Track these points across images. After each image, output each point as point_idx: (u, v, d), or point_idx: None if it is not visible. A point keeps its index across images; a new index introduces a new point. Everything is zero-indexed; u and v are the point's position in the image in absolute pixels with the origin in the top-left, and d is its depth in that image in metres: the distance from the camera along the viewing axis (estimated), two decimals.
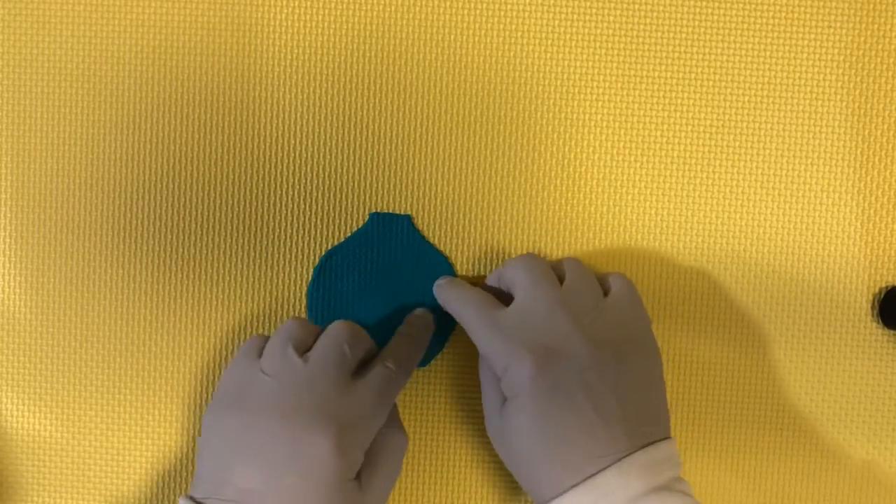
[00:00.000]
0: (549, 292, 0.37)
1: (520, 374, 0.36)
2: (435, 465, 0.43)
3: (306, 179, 0.42)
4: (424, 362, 0.42)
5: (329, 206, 0.42)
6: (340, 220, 0.42)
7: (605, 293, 0.39)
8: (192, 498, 0.35)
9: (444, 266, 0.42)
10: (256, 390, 0.36)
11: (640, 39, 0.42)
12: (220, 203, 0.42)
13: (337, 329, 0.38)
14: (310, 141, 0.42)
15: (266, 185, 0.42)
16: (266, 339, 0.39)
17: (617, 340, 0.37)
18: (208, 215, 0.42)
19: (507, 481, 0.43)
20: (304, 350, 0.37)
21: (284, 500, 0.34)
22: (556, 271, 0.39)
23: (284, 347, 0.37)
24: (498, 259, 0.42)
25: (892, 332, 0.42)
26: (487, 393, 0.39)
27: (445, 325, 0.42)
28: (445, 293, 0.40)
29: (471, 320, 0.38)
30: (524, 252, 0.42)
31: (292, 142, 0.42)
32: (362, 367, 0.38)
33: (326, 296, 0.42)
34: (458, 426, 0.43)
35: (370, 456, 0.37)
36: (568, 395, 0.35)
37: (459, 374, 0.43)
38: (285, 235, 0.42)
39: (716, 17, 0.41)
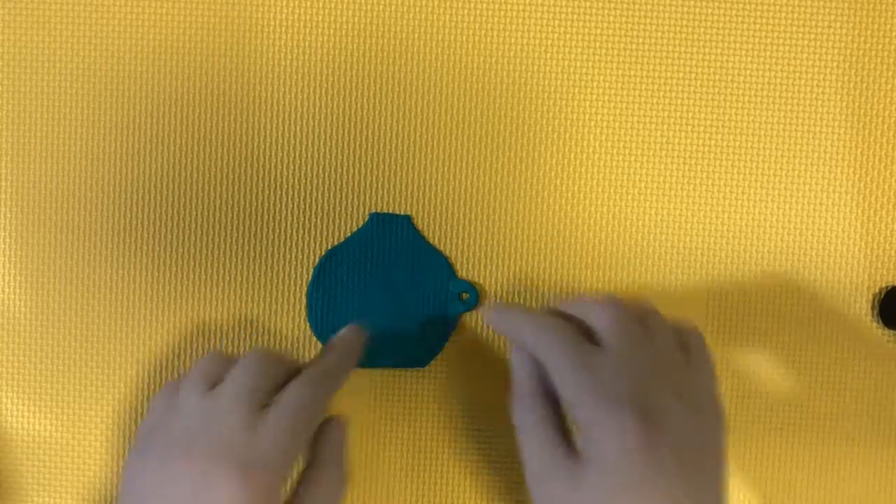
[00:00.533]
0: (646, 348, 0.33)
1: (615, 436, 0.31)
2: (432, 467, 0.43)
3: (306, 179, 0.42)
4: (423, 363, 0.42)
5: (329, 206, 0.42)
6: (340, 220, 0.42)
7: (685, 349, 0.35)
8: None
9: (443, 266, 0.42)
10: (168, 428, 0.34)
11: (640, 39, 0.42)
12: (221, 203, 0.42)
13: (248, 359, 0.36)
14: (310, 141, 0.42)
15: (266, 184, 0.42)
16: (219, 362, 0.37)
17: (708, 408, 0.33)
18: (208, 215, 0.42)
19: (506, 483, 0.43)
20: (216, 384, 0.35)
21: None
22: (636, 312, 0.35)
23: (196, 383, 0.35)
24: (498, 259, 0.42)
25: (892, 332, 0.42)
26: (543, 434, 0.33)
27: (444, 326, 0.42)
28: (508, 319, 0.35)
29: (556, 357, 0.33)
30: (522, 252, 0.42)
31: (292, 142, 0.42)
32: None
33: (326, 296, 0.42)
34: (456, 428, 0.43)
35: (299, 494, 0.35)
36: (665, 474, 0.30)
37: (459, 375, 0.43)
38: (285, 235, 0.42)
39: (716, 17, 0.41)
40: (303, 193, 0.42)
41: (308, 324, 0.42)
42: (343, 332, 0.39)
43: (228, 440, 0.33)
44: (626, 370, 0.32)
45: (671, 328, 0.35)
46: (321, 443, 0.37)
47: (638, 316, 0.35)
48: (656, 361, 0.33)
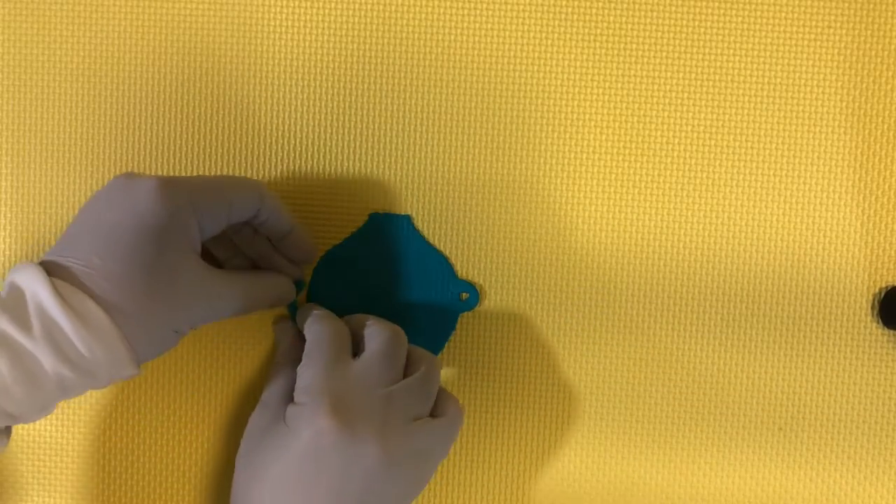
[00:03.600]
0: (392, 374, 0.36)
1: (310, 421, 0.34)
2: None
3: (307, 179, 0.42)
4: None
5: (329, 205, 0.42)
6: (340, 219, 0.42)
7: (433, 414, 0.36)
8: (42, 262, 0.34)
9: (443, 266, 0.42)
10: None
11: (640, 39, 0.42)
12: None
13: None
14: (310, 140, 0.42)
15: (267, 182, 0.42)
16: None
17: (411, 469, 0.35)
18: None
19: (505, 482, 0.43)
20: None
21: (104, 232, 0.33)
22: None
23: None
24: (498, 259, 0.42)
25: (892, 332, 0.42)
26: (276, 383, 0.38)
27: (444, 326, 0.42)
28: (308, 312, 0.39)
29: (310, 347, 0.36)
30: (522, 252, 0.42)
31: (292, 141, 0.42)
32: None
33: (326, 295, 0.42)
34: None
35: (249, 272, 0.39)
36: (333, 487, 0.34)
37: (459, 374, 0.43)
38: None
39: (716, 17, 0.41)
40: (303, 192, 0.42)
41: None
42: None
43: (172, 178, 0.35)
44: (362, 378, 0.35)
45: (422, 387, 0.36)
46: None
47: (401, 355, 0.37)
48: (389, 397, 0.35)
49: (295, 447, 0.34)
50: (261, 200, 0.37)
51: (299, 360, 0.37)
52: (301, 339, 0.38)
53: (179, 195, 0.34)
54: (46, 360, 0.31)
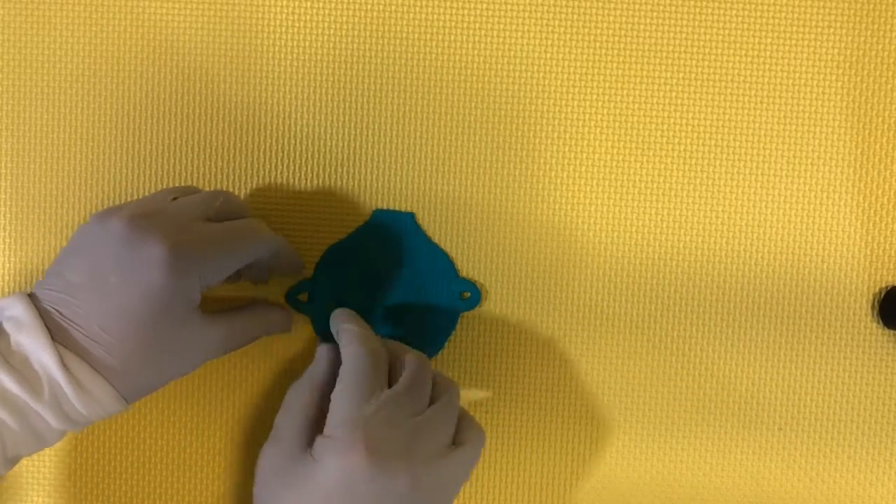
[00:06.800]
0: (420, 405, 0.35)
1: (343, 456, 0.33)
2: None
3: (312, 174, 0.42)
4: None
5: (333, 201, 0.42)
6: (343, 215, 0.42)
7: (455, 440, 0.36)
8: (30, 294, 0.35)
9: (445, 264, 0.42)
10: (129, 204, 0.36)
11: (640, 39, 0.42)
12: None
13: (217, 191, 0.38)
14: (316, 135, 0.42)
15: (272, 178, 0.42)
16: (195, 191, 0.39)
17: (438, 497, 0.35)
18: None
19: (505, 482, 0.43)
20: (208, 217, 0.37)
21: (108, 301, 0.34)
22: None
23: (194, 206, 0.37)
24: (499, 259, 0.42)
25: (892, 332, 0.42)
26: (295, 413, 0.36)
27: (445, 325, 0.42)
28: (350, 322, 0.38)
29: (347, 376, 0.35)
30: (524, 252, 0.42)
31: (299, 136, 0.42)
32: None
33: (328, 292, 0.42)
34: None
35: (235, 311, 0.38)
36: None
37: (459, 373, 0.43)
38: (289, 229, 0.42)
39: (716, 17, 0.41)
40: (308, 188, 0.42)
41: (310, 320, 0.42)
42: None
43: (172, 223, 0.35)
44: (392, 412, 0.34)
45: (445, 415, 0.36)
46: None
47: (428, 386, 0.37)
48: (417, 429, 0.34)
49: (323, 482, 0.33)
50: (267, 250, 0.38)
51: (325, 385, 0.36)
52: (336, 363, 0.37)
53: (189, 268, 0.34)
54: (53, 420, 0.33)
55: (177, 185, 0.42)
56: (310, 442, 0.35)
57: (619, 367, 0.43)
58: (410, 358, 0.37)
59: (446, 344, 0.42)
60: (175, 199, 0.37)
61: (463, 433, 0.37)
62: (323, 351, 0.38)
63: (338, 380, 0.35)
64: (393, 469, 0.33)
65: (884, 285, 0.42)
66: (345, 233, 0.42)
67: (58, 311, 0.34)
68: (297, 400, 0.37)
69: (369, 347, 0.36)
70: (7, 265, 0.42)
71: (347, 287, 0.42)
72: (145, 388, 0.35)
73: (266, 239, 0.38)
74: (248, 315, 0.39)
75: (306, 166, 0.42)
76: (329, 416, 0.34)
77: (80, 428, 0.35)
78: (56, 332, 0.33)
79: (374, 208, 0.42)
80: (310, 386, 0.37)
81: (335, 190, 0.42)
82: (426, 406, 0.36)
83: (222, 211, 0.37)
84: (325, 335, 0.42)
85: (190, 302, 0.35)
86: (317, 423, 0.35)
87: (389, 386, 0.36)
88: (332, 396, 0.35)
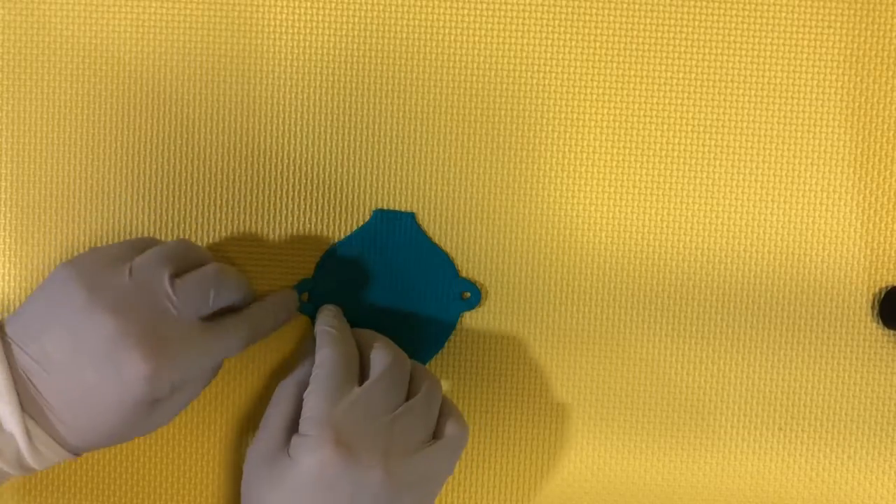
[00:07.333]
0: (395, 399, 0.36)
1: (315, 453, 0.34)
2: None
3: (312, 174, 0.42)
4: (423, 361, 0.42)
5: (333, 202, 0.42)
6: (344, 215, 0.42)
7: (437, 434, 0.37)
8: (3, 340, 0.35)
9: (446, 264, 0.42)
10: (115, 279, 0.35)
11: (640, 39, 0.42)
12: (223, 201, 0.42)
13: (211, 270, 0.37)
14: (316, 135, 0.42)
15: (272, 178, 0.42)
16: (154, 242, 0.38)
17: (417, 491, 0.36)
18: (211, 213, 0.42)
19: (505, 481, 0.43)
20: (175, 272, 0.36)
21: (82, 393, 0.34)
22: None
23: (161, 263, 0.36)
24: (499, 259, 0.42)
25: (892, 332, 0.42)
26: (280, 408, 0.37)
27: (445, 325, 0.42)
28: (329, 323, 0.39)
29: (319, 377, 0.36)
30: (524, 252, 0.42)
31: (298, 136, 0.42)
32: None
33: (328, 291, 0.42)
34: None
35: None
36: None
37: (459, 373, 0.43)
38: (290, 230, 0.42)
39: (716, 17, 0.42)
40: (309, 188, 0.42)
41: (309, 319, 0.42)
42: (282, 291, 0.41)
43: (168, 329, 0.35)
44: (365, 409, 0.35)
45: (424, 408, 0.37)
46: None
47: (407, 379, 0.37)
48: (389, 427, 0.35)
49: (299, 478, 0.34)
50: (243, 340, 0.37)
51: (307, 382, 0.37)
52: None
53: (169, 382, 0.34)
54: (10, 471, 0.35)
55: (177, 184, 0.42)
56: (288, 440, 0.35)
57: (618, 367, 0.43)
58: (384, 353, 0.37)
59: (446, 344, 0.42)
60: (174, 274, 0.36)
61: (443, 426, 0.37)
62: (310, 348, 0.39)
63: (310, 380, 0.36)
64: (365, 464, 0.34)
65: (884, 285, 0.42)
66: (345, 233, 0.42)
67: (32, 382, 0.34)
68: (280, 398, 0.37)
69: (341, 349, 0.37)
70: (7, 265, 0.42)
71: (347, 287, 0.42)
72: (106, 446, 0.37)
73: (249, 336, 0.37)
74: (243, 322, 0.38)
75: (306, 166, 0.42)
76: (302, 415, 0.35)
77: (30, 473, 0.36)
78: (26, 403, 0.34)
79: (374, 208, 0.42)
80: (293, 383, 0.38)
81: (335, 190, 0.42)
82: (402, 400, 0.36)
83: (217, 305, 0.37)
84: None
85: (164, 395, 0.35)
86: (297, 422, 0.36)
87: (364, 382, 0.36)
88: (305, 396, 0.36)
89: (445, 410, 0.38)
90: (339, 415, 0.35)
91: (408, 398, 0.37)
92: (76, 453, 0.36)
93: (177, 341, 0.35)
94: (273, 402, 0.38)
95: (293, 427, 0.36)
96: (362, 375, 0.37)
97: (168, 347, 0.34)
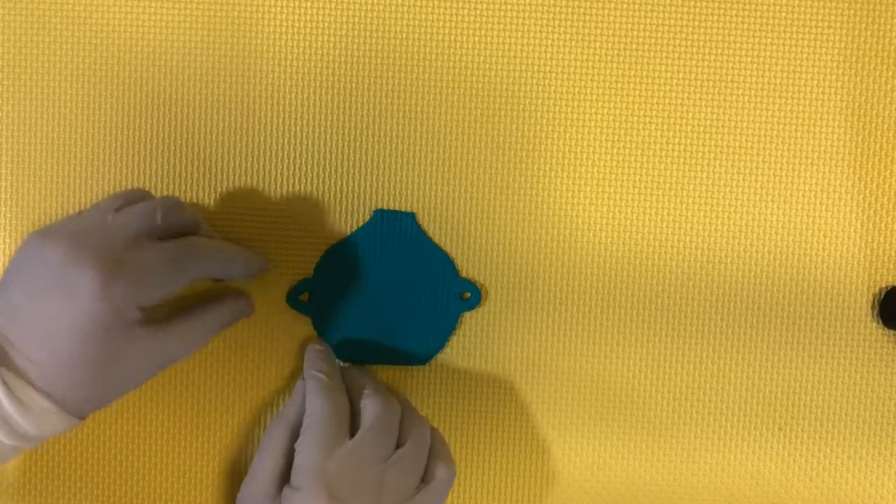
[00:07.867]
0: (386, 450, 0.36)
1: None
2: None
3: (312, 174, 0.42)
4: (423, 362, 0.42)
5: (334, 201, 0.42)
6: (344, 215, 0.42)
7: (426, 477, 0.37)
8: None
9: (446, 264, 0.42)
10: (72, 224, 0.36)
11: (640, 39, 0.42)
12: (223, 201, 0.42)
13: (161, 198, 0.38)
14: (316, 135, 0.42)
15: (272, 178, 0.42)
16: (143, 197, 0.38)
17: None
18: (212, 213, 0.42)
19: (505, 482, 0.43)
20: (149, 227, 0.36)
21: (45, 324, 0.34)
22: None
23: (113, 202, 0.37)
24: (499, 259, 0.42)
25: (892, 332, 0.42)
26: (271, 455, 0.37)
27: (445, 325, 0.42)
28: (316, 365, 0.39)
29: (310, 428, 0.36)
30: (524, 252, 0.42)
31: (298, 136, 0.42)
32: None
33: (327, 291, 0.42)
34: (456, 427, 0.43)
35: (190, 310, 0.37)
36: None
37: (459, 374, 0.43)
38: (289, 229, 0.42)
39: (716, 17, 0.42)
40: (309, 188, 0.42)
41: (309, 320, 0.42)
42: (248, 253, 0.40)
43: (107, 244, 0.34)
44: (357, 463, 0.35)
45: (418, 454, 0.37)
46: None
47: (395, 428, 0.38)
48: (381, 475, 0.35)
49: None
50: (212, 268, 0.38)
51: (299, 425, 0.37)
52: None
53: (124, 294, 0.34)
54: (3, 437, 0.34)
55: (176, 184, 0.42)
56: (280, 488, 0.36)
57: (618, 366, 0.43)
58: (374, 401, 0.38)
59: (446, 344, 0.42)
60: (119, 209, 0.36)
61: (435, 470, 0.38)
62: (300, 388, 0.39)
63: (301, 430, 0.37)
64: None
65: (884, 285, 0.42)
66: (345, 233, 0.42)
67: (4, 335, 0.34)
68: (271, 443, 0.38)
69: (332, 400, 0.38)
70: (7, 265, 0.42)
71: (347, 287, 0.42)
72: (94, 403, 0.35)
73: (208, 259, 0.37)
74: (204, 312, 0.38)
75: (306, 166, 0.42)
76: (294, 466, 0.36)
77: (34, 444, 0.35)
78: (1, 358, 0.34)
79: (374, 208, 0.42)
80: (284, 426, 0.38)
81: (335, 190, 0.42)
82: (392, 449, 0.37)
83: (168, 224, 0.37)
84: (326, 336, 0.42)
85: (129, 321, 0.34)
86: (289, 466, 0.36)
87: (356, 430, 0.37)
88: (297, 447, 0.36)
89: (434, 452, 0.38)
90: (331, 467, 0.35)
91: (399, 443, 0.37)
92: (66, 409, 0.34)
93: (133, 262, 0.34)
94: (263, 447, 0.38)
95: (284, 476, 0.36)
96: (352, 422, 0.38)
97: (122, 266, 0.34)
